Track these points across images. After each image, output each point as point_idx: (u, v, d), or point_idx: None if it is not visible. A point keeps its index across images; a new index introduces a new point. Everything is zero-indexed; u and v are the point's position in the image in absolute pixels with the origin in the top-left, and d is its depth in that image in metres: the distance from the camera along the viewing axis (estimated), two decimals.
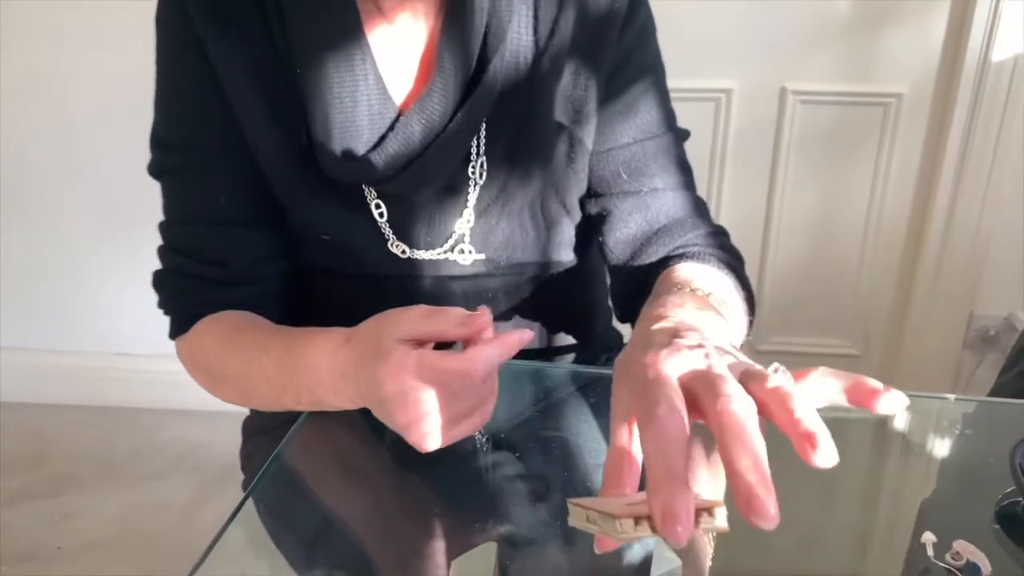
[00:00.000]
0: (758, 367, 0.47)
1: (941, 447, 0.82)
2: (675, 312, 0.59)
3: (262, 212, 0.84)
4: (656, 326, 0.55)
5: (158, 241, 0.86)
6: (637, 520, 0.40)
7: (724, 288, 0.75)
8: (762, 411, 0.43)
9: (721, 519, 0.41)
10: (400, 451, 0.69)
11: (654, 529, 0.39)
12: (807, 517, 0.57)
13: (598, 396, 0.88)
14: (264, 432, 0.98)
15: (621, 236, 0.85)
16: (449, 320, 0.61)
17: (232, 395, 0.83)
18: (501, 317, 0.92)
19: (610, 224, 0.86)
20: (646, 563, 0.65)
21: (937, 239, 2.07)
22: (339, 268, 0.87)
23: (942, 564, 0.58)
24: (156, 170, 0.85)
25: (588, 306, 1.03)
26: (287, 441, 0.74)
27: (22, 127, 2.13)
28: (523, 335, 0.61)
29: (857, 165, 2.06)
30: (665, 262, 0.82)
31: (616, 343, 1.08)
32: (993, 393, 1.28)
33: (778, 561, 0.63)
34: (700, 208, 0.88)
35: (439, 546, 0.63)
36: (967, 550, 0.57)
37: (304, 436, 0.76)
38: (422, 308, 0.63)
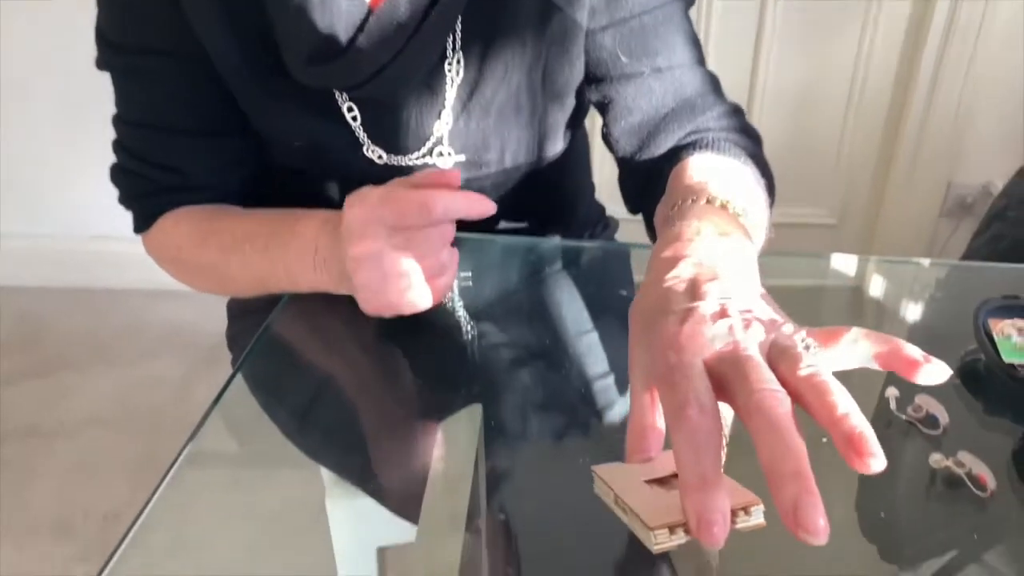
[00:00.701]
0: (786, 334, 0.43)
1: (911, 310, 0.85)
2: (693, 244, 0.51)
3: (221, 120, 0.79)
4: (671, 275, 0.48)
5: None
6: (672, 528, 0.39)
7: (745, 189, 0.67)
8: (796, 399, 0.39)
9: (758, 516, 0.40)
10: (385, 325, 0.72)
11: (689, 532, 0.37)
12: None
13: (580, 269, 0.89)
14: (249, 314, 0.99)
15: (626, 126, 0.79)
16: (414, 180, 0.66)
17: (207, 284, 0.82)
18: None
19: (613, 114, 0.79)
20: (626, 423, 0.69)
21: (920, 108, 2.07)
22: (313, 172, 0.84)
23: (903, 416, 0.61)
24: (102, 64, 0.79)
25: (574, 193, 1.01)
26: (272, 319, 0.76)
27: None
28: (484, 203, 0.66)
29: (842, 35, 2.03)
30: (677, 153, 0.75)
31: (599, 217, 1.08)
32: (965, 257, 1.31)
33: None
34: (711, 84, 0.80)
35: (426, 410, 0.65)
36: (928, 403, 0.61)
37: (289, 314, 0.77)
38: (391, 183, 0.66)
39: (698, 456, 0.37)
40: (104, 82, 0.80)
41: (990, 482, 0.54)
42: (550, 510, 0.57)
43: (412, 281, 0.66)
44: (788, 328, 0.43)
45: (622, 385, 0.72)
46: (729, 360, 0.41)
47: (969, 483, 0.55)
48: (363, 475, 0.65)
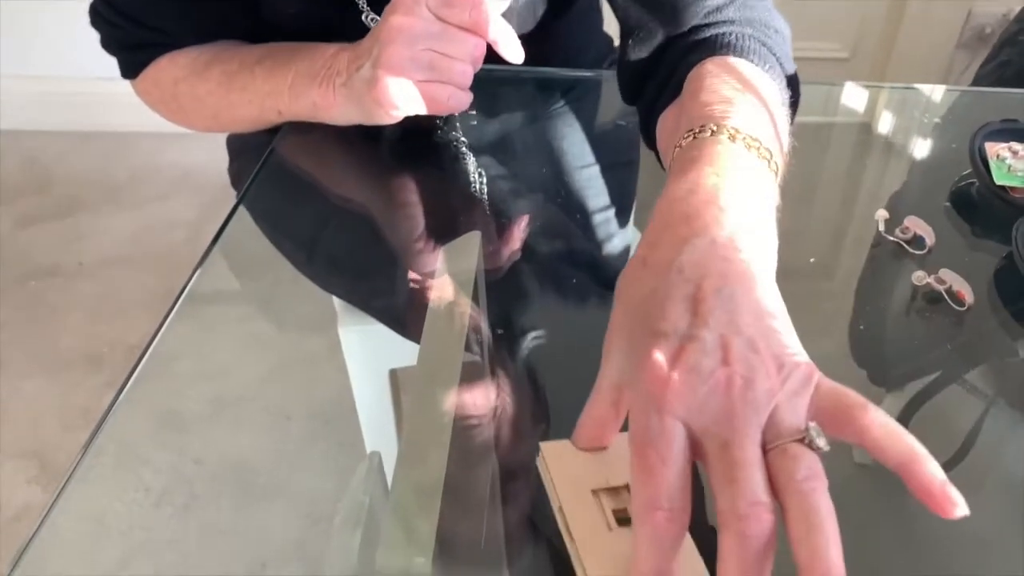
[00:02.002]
0: (790, 420, 0.36)
1: (913, 137, 0.86)
2: (706, 216, 0.43)
3: None
4: (676, 264, 0.41)
5: None
6: None
7: (771, 117, 0.54)
8: (782, 509, 0.34)
9: None
10: (386, 155, 0.73)
11: None
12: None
13: (584, 100, 0.89)
14: (249, 150, 0.97)
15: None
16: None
17: (201, 118, 0.81)
18: None
19: None
20: (624, 254, 0.71)
21: None
22: (305, 39, 0.78)
23: (891, 237, 0.62)
24: None
25: (586, 42, 0.97)
26: (275, 145, 0.76)
27: None
28: (519, 50, 0.63)
29: None
30: (694, 48, 0.62)
31: (608, 49, 1.05)
32: (974, 84, 1.29)
33: None
34: None
35: (428, 235, 0.67)
36: (916, 225, 0.62)
37: (289, 144, 0.78)
38: None
39: (658, 559, 0.34)
40: None
41: (968, 297, 0.56)
42: (548, 327, 0.59)
43: (433, 74, 0.64)
44: (795, 379, 0.37)
45: (622, 218, 0.74)
46: (716, 452, 0.35)
47: (948, 299, 0.57)
48: (371, 301, 0.68)
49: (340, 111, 0.70)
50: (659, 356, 0.37)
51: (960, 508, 0.33)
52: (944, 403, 0.54)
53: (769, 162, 0.48)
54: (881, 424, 0.35)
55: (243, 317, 0.67)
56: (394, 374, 0.86)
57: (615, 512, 0.40)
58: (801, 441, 0.35)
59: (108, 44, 0.80)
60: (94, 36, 0.80)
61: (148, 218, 2.13)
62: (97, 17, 0.79)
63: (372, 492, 0.45)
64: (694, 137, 0.49)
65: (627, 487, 0.41)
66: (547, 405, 0.55)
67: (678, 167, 0.48)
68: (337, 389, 0.61)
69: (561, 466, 0.42)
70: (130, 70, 0.81)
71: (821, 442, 0.35)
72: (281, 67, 0.73)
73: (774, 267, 0.43)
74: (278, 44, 0.76)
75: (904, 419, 0.52)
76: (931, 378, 0.55)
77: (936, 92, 0.92)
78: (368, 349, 0.81)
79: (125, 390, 0.53)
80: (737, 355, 0.36)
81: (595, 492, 0.41)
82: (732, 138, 0.48)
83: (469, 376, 0.53)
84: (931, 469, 0.34)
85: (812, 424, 0.36)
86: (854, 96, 0.92)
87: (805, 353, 0.38)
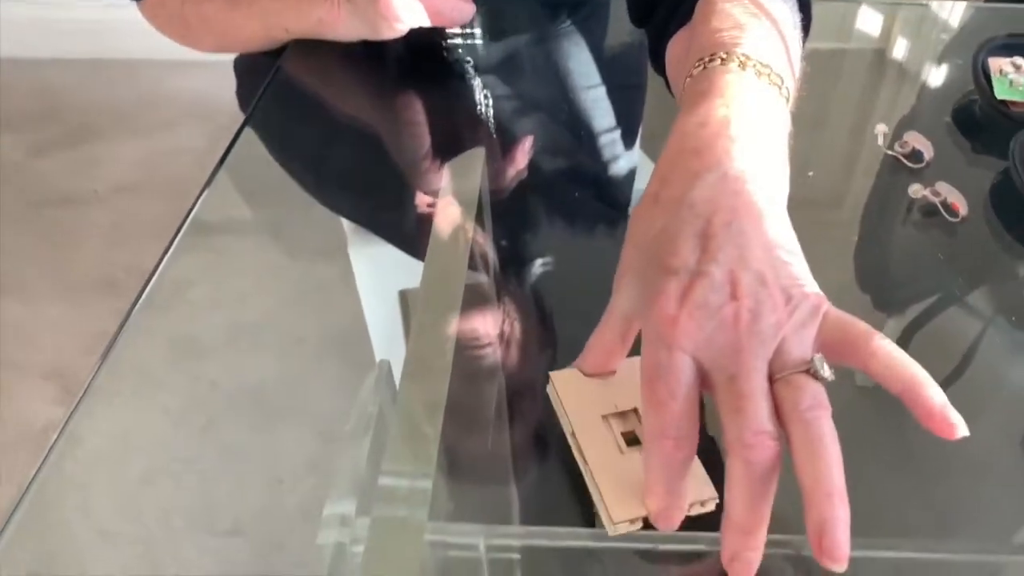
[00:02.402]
0: (797, 352, 0.37)
1: (924, 56, 0.84)
2: (719, 147, 0.43)
3: None
4: (688, 198, 0.41)
5: None
6: (632, 520, 0.39)
7: (784, 43, 0.53)
8: (787, 437, 0.36)
9: (710, 507, 0.40)
10: (391, 74, 0.72)
11: (646, 521, 0.38)
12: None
13: (591, 20, 0.88)
14: (256, 71, 0.97)
15: None
16: None
17: (207, 38, 0.81)
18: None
19: None
20: (630, 176, 0.71)
21: None
22: None
23: (890, 152, 0.62)
24: None
25: None
26: (279, 69, 0.76)
27: None
28: None
29: None
30: None
31: None
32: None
33: None
34: None
35: (434, 154, 0.68)
36: (915, 139, 0.62)
37: (295, 64, 0.78)
38: None
39: (668, 483, 0.37)
40: None
41: (963, 209, 0.56)
42: (552, 247, 0.60)
43: None
44: (803, 310, 0.38)
45: (628, 140, 0.74)
46: (724, 384, 0.37)
47: (943, 210, 0.57)
48: (379, 221, 0.68)
49: (345, 26, 0.71)
50: (669, 293, 0.38)
51: (960, 429, 0.34)
52: (943, 324, 0.54)
53: (780, 88, 0.48)
54: (886, 352, 0.36)
55: (255, 245, 0.68)
56: (404, 295, 0.87)
57: (624, 435, 0.42)
58: (807, 372, 0.36)
59: None
60: None
61: (159, 145, 2.13)
62: None
63: (381, 401, 0.46)
64: (704, 67, 0.48)
65: (635, 411, 0.43)
66: (553, 325, 0.56)
67: (689, 100, 0.47)
68: (350, 313, 0.63)
69: (571, 393, 0.43)
70: None
71: (826, 372, 0.36)
72: None
73: (786, 195, 0.43)
74: None
75: (904, 341, 0.53)
76: (931, 300, 0.56)
77: (951, 9, 0.90)
78: (378, 270, 0.83)
79: (139, 316, 0.54)
80: (745, 289, 0.37)
81: (604, 417, 0.43)
82: (742, 66, 0.47)
83: (474, 296, 0.54)
84: (931, 393, 0.35)
85: (817, 355, 0.37)
86: (869, 19, 0.91)
87: (815, 283, 0.39)
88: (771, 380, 0.37)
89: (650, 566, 0.43)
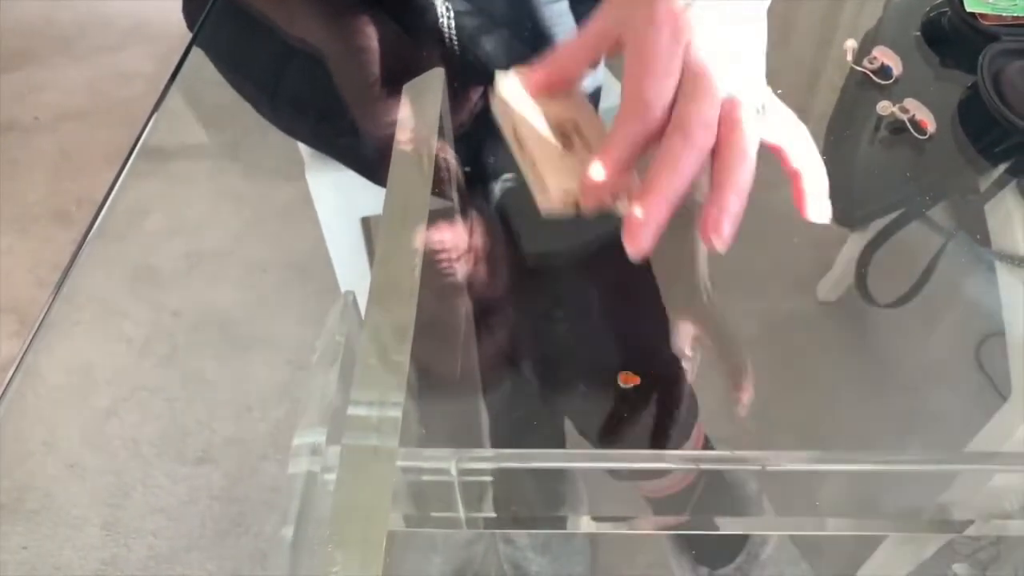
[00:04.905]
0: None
1: None
2: None
3: None
4: None
5: None
6: (566, 193, 0.40)
7: None
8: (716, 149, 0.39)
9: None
10: None
11: (576, 205, 0.40)
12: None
13: None
14: None
15: None
16: None
17: None
18: None
19: None
20: (595, 93, 0.69)
21: None
22: None
23: (859, 68, 0.62)
24: None
25: None
26: None
27: None
28: None
29: None
30: None
31: None
32: None
33: None
34: None
35: (392, 73, 0.65)
36: (884, 55, 0.62)
37: None
38: None
39: (620, 151, 0.39)
40: None
41: (931, 126, 0.56)
42: (513, 159, 0.59)
43: None
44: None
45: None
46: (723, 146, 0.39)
47: (910, 127, 0.57)
48: (336, 145, 0.66)
49: None
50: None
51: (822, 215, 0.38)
52: (906, 239, 0.55)
53: None
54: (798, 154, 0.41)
55: (212, 171, 0.66)
56: (367, 222, 0.86)
57: (562, 139, 0.43)
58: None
59: None
60: None
61: (102, 70, 2.05)
62: None
63: (348, 331, 0.46)
64: None
65: (574, 122, 0.44)
66: (519, 243, 0.56)
67: None
68: (311, 239, 0.62)
69: (516, 95, 0.44)
70: None
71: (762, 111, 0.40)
72: None
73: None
74: None
75: (866, 257, 0.53)
76: (894, 215, 0.56)
77: None
78: (338, 196, 0.81)
79: (94, 246, 0.53)
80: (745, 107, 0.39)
81: (547, 119, 0.44)
82: None
83: (439, 218, 0.53)
84: (806, 185, 0.40)
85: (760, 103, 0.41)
86: None
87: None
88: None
89: (618, 484, 0.44)
